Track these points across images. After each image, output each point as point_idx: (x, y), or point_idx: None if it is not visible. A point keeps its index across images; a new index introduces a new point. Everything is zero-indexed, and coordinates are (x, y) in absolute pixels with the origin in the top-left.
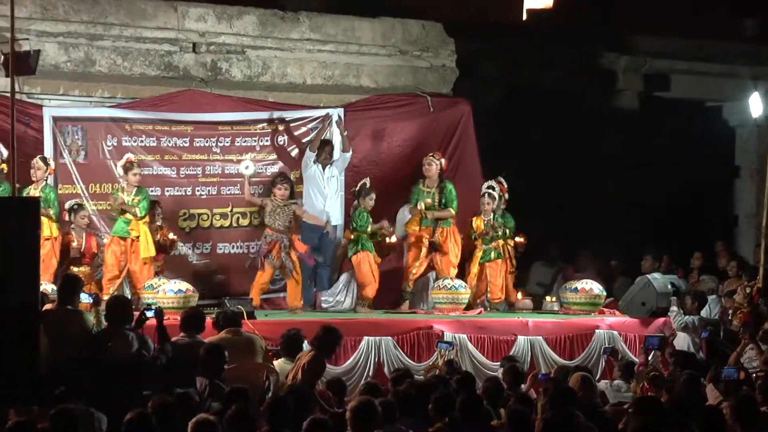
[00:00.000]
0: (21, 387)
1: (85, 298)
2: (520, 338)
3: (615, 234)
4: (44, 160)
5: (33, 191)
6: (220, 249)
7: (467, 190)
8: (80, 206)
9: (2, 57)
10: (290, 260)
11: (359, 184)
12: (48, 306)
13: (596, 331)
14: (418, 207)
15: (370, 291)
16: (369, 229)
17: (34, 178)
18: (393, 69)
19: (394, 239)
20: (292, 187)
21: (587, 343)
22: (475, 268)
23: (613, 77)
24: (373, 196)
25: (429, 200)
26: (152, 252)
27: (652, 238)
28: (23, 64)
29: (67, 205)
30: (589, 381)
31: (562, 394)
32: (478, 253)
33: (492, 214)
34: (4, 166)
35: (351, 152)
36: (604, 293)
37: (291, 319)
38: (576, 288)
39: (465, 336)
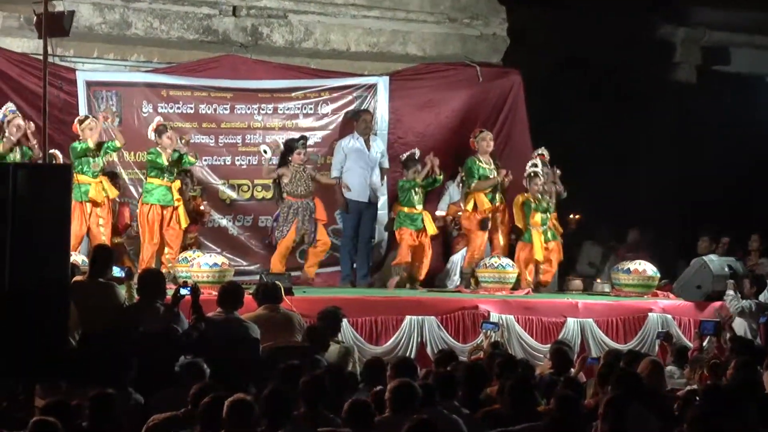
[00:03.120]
0: (48, 362)
1: (117, 272)
2: (570, 320)
3: (670, 213)
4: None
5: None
6: (262, 222)
7: (516, 165)
8: (114, 174)
9: (35, 18)
10: (314, 227)
11: (406, 155)
12: (78, 278)
13: (649, 314)
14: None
15: (414, 270)
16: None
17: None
18: (441, 37)
19: (439, 213)
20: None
21: (640, 327)
22: (539, 254)
23: (670, 49)
24: (418, 168)
25: (492, 177)
26: (187, 221)
27: (709, 218)
28: (57, 25)
29: None
30: (660, 368)
31: (629, 379)
32: (539, 237)
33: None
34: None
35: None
36: (658, 275)
37: (330, 296)
38: (629, 269)
39: (512, 317)
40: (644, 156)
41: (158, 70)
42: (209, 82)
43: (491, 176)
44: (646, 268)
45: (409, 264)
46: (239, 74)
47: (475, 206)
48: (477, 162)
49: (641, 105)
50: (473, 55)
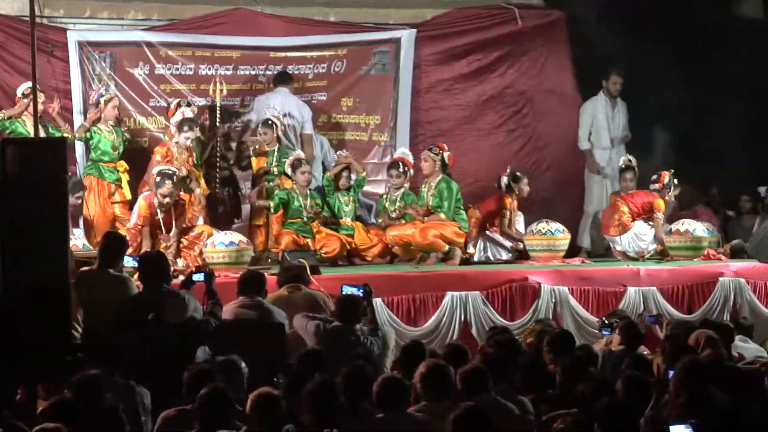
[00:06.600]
0: (50, 361)
1: (128, 262)
2: (631, 289)
3: (737, 165)
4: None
5: None
6: None
7: (561, 119)
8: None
9: None
10: None
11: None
12: (86, 268)
13: (720, 279)
14: None
15: None
16: None
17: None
18: None
19: None
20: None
21: (709, 294)
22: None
23: None
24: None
25: None
26: None
27: None
28: None
29: None
30: (714, 339)
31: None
32: None
33: None
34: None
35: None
36: (710, 234)
37: (360, 273)
38: (670, 230)
39: (566, 288)
40: (709, 100)
41: (158, 27)
42: (215, 39)
43: None
44: (695, 227)
45: None
46: (249, 30)
47: None
48: None
49: (705, 44)
50: None
